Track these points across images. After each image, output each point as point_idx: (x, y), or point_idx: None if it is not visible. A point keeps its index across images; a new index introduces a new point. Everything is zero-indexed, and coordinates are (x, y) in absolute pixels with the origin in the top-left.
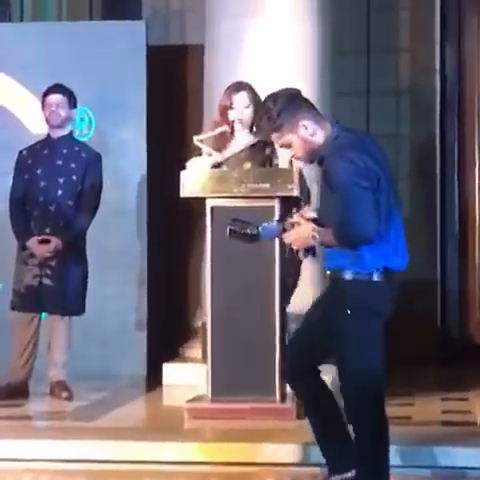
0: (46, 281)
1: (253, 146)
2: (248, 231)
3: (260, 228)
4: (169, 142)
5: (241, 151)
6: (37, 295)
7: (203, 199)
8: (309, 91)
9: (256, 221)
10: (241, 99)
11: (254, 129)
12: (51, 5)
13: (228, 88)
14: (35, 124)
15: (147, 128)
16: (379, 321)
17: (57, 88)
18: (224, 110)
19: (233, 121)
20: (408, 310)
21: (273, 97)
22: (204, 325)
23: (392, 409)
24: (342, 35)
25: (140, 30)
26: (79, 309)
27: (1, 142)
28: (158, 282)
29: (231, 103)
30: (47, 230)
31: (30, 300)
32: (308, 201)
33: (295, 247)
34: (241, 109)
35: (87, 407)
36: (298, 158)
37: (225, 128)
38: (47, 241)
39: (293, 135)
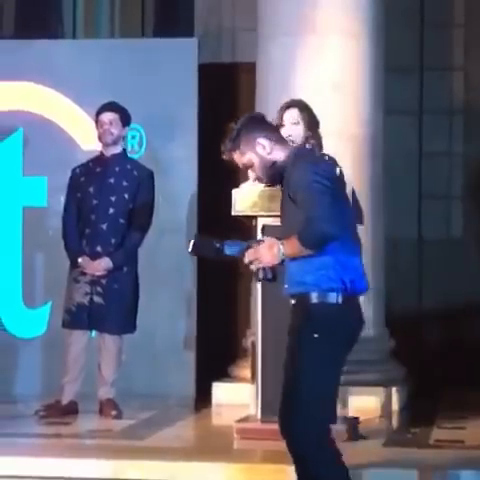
0: (97, 299)
1: None
2: (213, 243)
3: (225, 244)
4: (220, 160)
5: None
6: (88, 313)
7: (254, 217)
8: (361, 110)
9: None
10: (290, 116)
11: (308, 146)
12: (104, 22)
13: (281, 105)
14: (87, 141)
15: (198, 146)
16: (344, 346)
17: (110, 106)
18: (278, 126)
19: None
20: (459, 332)
21: (238, 119)
22: (253, 345)
23: (444, 432)
24: (395, 52)
25: (192, 48)
26: (130, 327)
27: (54, 159)
28: (207, 301)
29: (281, 120)
30: (98, 248)
31: (80, 318)
32: (361, 221)
33: (257, 265)
34: (290, 126)
35: (136, 426)
36: (260, 180)
37: None
38: (98, 259)
39: (251, 153)
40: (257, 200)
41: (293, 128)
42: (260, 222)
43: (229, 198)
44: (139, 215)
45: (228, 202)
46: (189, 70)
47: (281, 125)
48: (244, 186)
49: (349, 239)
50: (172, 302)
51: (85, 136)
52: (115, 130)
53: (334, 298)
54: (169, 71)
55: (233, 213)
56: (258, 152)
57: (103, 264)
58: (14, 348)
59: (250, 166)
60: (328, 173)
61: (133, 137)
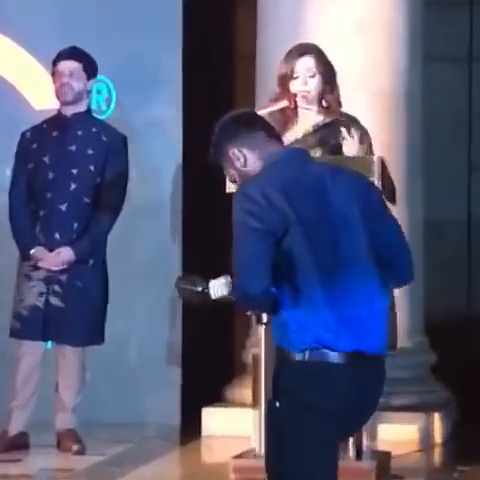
0: (54, 301)
1: (324, 128)
2: (198, 288)
3: (210, 284)
4: (210, 122)
5: (307, 134)
6: (43, 318)
7: None
8: (394, 56)
9: None
10: (304, 66)
11: (324, 104)
12: None
13: (290, 52)
14: (40, 99)
15: (183, 104)
16: (316, 417)
17: (71, 53)
18: (284, 80)
19: (295, 95)
20: None
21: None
22: (255, 359)
23: None
24: (443, 42)
25: None
26: (96, 337)
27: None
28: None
29: (292, 71)
30: (57, 235)
31: (33, 325)
32: (393, 200)
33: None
34: (305, 79)
35: (104, 464)
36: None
37: (285, 103)
38: (56, 249)
39: (229, 169)
40: None
41: (309, 81)
42: None
43: (222, 171)
44: (108, 192)
45: (221, 176)
46: (171, 6)
47: (292, 77)
48: None
49: (315, 289)
50: (151, 305)
51: (38, 92)
52: (77, 83)
53: (300, 355)
54: (146, 8)
55: (227, 190)
56: (235, 166)
57: (62, 256)
58: None
59: (235, 181)
60: (264, 209)
61: (99, 92)
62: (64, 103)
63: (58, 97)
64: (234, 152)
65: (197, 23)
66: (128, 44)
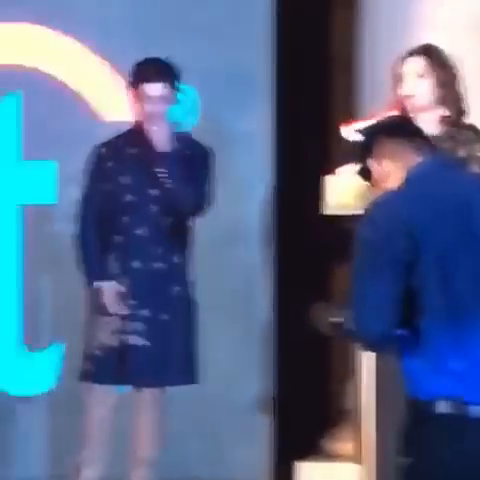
0: (133, 339)
1: (437, 140)
2: (332, 319)
3: (345, 314)
4: (306, 134)
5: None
6: (118, 359)
7: (356, 218)
8: None
9: None
10: (412, 67)
11: (441, 112)
12: None
13: (401, 55)
14: (112, 109)
15: (275, 114)
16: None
17: (158, 73)
18: (395, 84)
19: (403, 100)
20: None
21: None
22: (358, 406)
23: None
24: None
25: None
26: (188, 377)
27: (65, 135)
28: (290, 340)
29: (399, 74)
30: (136, 264)
31: (108, 367)
32: None
33: None
34: (413, 81)
35: None
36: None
37: (393, 113)
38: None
39: (373, 181)
40: (361, 194)
41: (417, 83)
42: None
43: (318, 190)
44: (188, 210)
45: (316, 195)
46: (263, 9)
47: (399, 80)
48: (342, 171)
49: (442, 332)
50: (239, 343)
51: (110, 102)
52: (165, 109)
53: (426, 404)
54: (234, 11)
55: (324, 211)
56: (376, 178)
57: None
58: (8, 411)
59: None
60: (389, 234)
61: (181, 102)
62: (150, 130)
63: (144, 120)
64: (374, 165)
65: (290, 27)
66: (213, 49)
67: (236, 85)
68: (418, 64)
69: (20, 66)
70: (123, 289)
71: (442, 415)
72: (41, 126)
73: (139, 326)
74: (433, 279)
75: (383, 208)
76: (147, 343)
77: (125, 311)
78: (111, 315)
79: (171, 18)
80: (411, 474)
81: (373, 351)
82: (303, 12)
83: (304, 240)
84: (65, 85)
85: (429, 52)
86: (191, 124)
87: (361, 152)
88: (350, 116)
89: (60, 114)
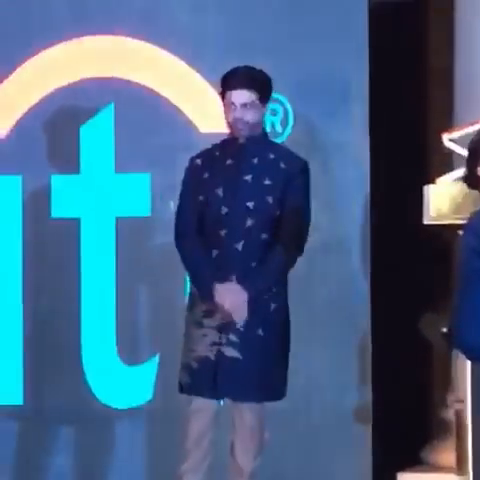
0: (230, 352)
1: None
2: (443, 329)
3: None
4: (403, 144)
5: None
6: (215, 372)
7: (457, 227)
8: None
9: None
10: None
11: None
12: None
13: None
14: (207, 121)
15: (370, 124)
16: None
17: (245, 80)
18: None
19: None
20: None
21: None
22: (459, 416)
23: None
24: None
25: None
26: (277, 392)
27: (159, 147)
28: (388, 350)
29: None
30: (233, 278)
31: (205, 379)
32: None
33: None
34: None
35: None
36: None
37: None
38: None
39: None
40: (462, 202)
41: None
42: None
43: (417, 199)
44: (288, 227)
45: (416, 205)
46: (358, 16)
47: None
48: (442, 181)
49: None
50: (336, 353)
51: (205, 114)
52: (252, 116)
53: None
54: (328, 18)
55: (425, 221)
56: None
57: (241, 300)
58: (106, 423)
59: None
60: None
61: (274, 113)
62: (239, 137)
63: (230, 129)
64: None
65: (385, 35)
66: (307, 58)
67: (331, 95)
68: None
69: (114, 78)
70: (243, 291)
71: None
72: (136, 138)
73: (234, 339)
74: None
75: None
76: (241, 357)
77: (244, 317)
78: (207, 327)
79: (265, 28)
80: None
81: (478, 361)
82: (399, 21)
83: (402, 249)
84: (160, 96)
85: None
86: (286, 134)
87: (469, 158)
88: (447, 125)
89: (155, 126)
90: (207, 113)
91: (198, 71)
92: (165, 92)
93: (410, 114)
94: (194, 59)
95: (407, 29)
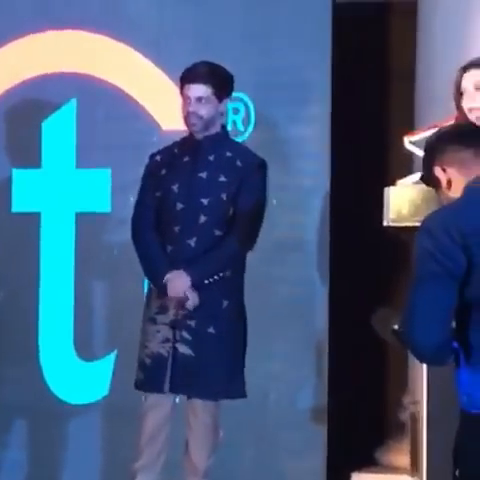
0: (183, 349)
1: None
2: (394, 326)
3: None
4: (364, 144)
5: None
6: (168, 368)
7: (414, 230)
8: None
9: None
10: (472, 80)
11: None
12: None
13: (459, 69)
14: (169, 118)
15: (332, 124)
16: None
17: (199, 74)
18: (456, 97)
19: (465, 114)
20: None
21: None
22: (414, 418)
23: None
24: None
25: None
26: (233, 391)
27: (121, 143)
28: (344, 350)
29: (459, 88)
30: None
31: (159, 376)
32: None
33: None
34: (472, 93)
35: None
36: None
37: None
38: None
39: (438, 190)
40: (421, 204)
41: (477, 96)
42: None
43: (377, 200)
44: (242, 224)
45: (376, 206)
46: (321, 14)
47: (459, 94)
48: (402, 183)
49: None
50: (293, 352)
51: (167, 111)
52: (206, 111)
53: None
54: (291, 17)
55: (385, 223)
56: (441, 188)
57: (191, 300)
58: (62, 419)
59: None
60: (447, 248)
61: (236, 111)
62: (192, 131)
63: (185, 124)
64: (439, 171)
65: (347, 35)
66: (269, 56)
67: (293, 93)
68: (476, 77)
69: (77, 73)
70: (186, 276)
71: None
72: (97, 134)
73: (187, 336)
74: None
75: (439, 219)
76: (193, 354)
77: (195, 302)
78: (160, 324)
79: (229, 26)
80: None
81: (427, 363)
82: (362, 21)
83: (361, 250)
84: (122, 93)
85: None
86: (248, 133)
87: (427, 157)
88: (408, 127)
89: (117, 122)
90: (170, 111)
91: (161, 68)
92: (128, 88)
93: (371, 115)
94: (158, 56)
95: (370, 30)
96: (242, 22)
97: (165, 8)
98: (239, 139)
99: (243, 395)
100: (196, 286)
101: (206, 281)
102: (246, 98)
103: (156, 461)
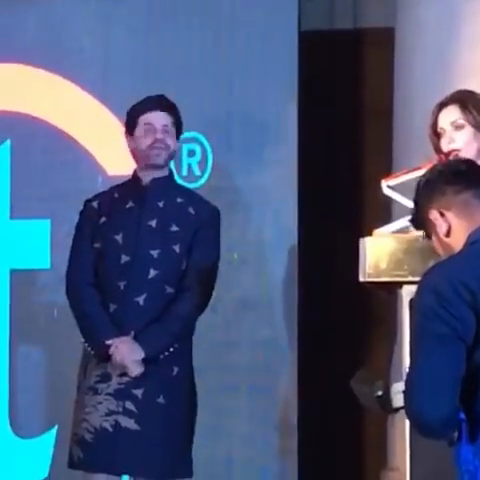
0: (126, 422)
1: None
2: (377, 393)
3: (393, 388)
4: (336, 190)
5: None
6: (113, 445)
7: (395, 285)
8: None
9: None
10: (447, 118)
11: None
12: None
13: (435, 106)
14: (115, 163)
15: (299, 170)
16: None
17: (163, 102)
18: (432, 137)
19: (446, 156)
20: None
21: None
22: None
23: None
24: None
25: (290, 9)
26: (181, 470)
27: (61, 191)
28: (318, 423)
29: (436, 126)
30: (131, 336)
31: (101, 453)
32: None
33: None
34: (451, 133)
35: None
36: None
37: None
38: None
39: (434, 236)
40: (403, 256)
41: (456, 135)
42: (406, 293)
43: (352, 253)
44: (195, 282)
45: (352, 259)
46: (285, 43)
47: (436, 133)
48: (380, 233)
49: None
50: (257, 426)
51: (113, 154)
52: (172, 141)
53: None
54: (251, 45)
55: (361, 278)
56: (437, 234)
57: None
58: None
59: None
60: (456, 305)
61: (192, 154)
62: (153, 166)
63: (146, 158)
64: (436, 216)
65: (315, 72)
66: (229, 90)
67: (252, 136)
68: (454, 114)
69: (13, 112)
70: (139, 347)
71: None
72: (35, 180)
73: (132, 407)
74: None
75: (444, 273)
76: (139, 428)
77: (139, 371)
78: (103, 394)
79: (181, 62)
80: None
81: (434, 437)
82: (334, 54)
83: (334, 308)
84: (63, 133)
85: (463, 100)
86: (205, 178)
87: (422, 199)
88: (386, 171)
89: (57, 167)
90: (116, 153)
91: (107, 106)
92: (69, 129)
93: (344, 158)
94: (103, 93)
95: (342, 64)
96: (198, 58)
97: (112, 42)
98: (195, 185)
99: (190, 475)
100: (149, 360)
101: (161, 356)
102: (203, 139)
103: None
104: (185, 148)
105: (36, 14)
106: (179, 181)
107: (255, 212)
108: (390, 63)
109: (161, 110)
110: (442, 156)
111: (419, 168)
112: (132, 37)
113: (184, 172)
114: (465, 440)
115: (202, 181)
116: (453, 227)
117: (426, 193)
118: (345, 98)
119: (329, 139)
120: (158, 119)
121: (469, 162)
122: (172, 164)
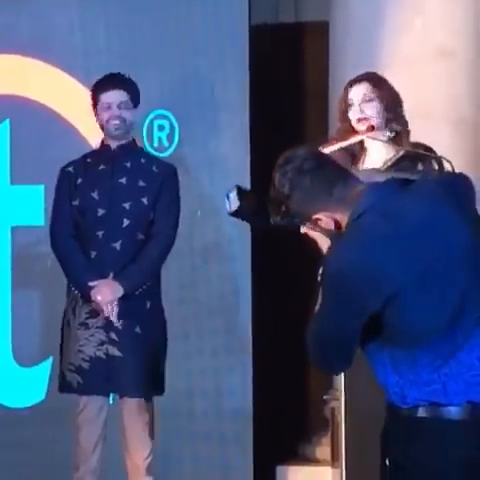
0: (112, 351)
1: (396, 164)
2: (262, 201)
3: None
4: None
5: (378, 172)
6: (106, 371)
7: None
8: None
9: None
10: (357, 93)
11: (389, 133)
12: None
13: (346, 84)
14: (99, 135)
15: (251, 140)
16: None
17: (115, 81)
18: (342, 112)
19: (358, 120)
20: None
21: (281, 166)
22: (334, 413)
23: None
24: None
25: (240, 3)
26: (155, 388)
27: (54, 161)
28: (268, 351)
29: (346, 102)
30: (111, 277)
31: (97, 378)
32: None
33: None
34: (360, 104)
35: None
36: None
37: (361, 137)
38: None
39: (311, 231)
40: None
41: (366, 106)
42: None
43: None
44: (161, 229)
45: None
46: (237, 34)
47: (347, 106)
48: None
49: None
50: (217, 353)
51: (94, 128)
52: (129, 115)
53: (411, 411)
54: (208, 36)
55: (302, 230)
56: (321, 228)
57: (113, 289)
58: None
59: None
60: (369, 271)
61: (161, 128)
62: (113, 137)
63: (107, 130)
64: (319, 216)
65: (265, 52)
66: (190, 74)
67: (209, 111)
68: (362, 90)
69: (11, 95)
70: (119, 286)
71: (423, 418)
72: (31, 153)
73: (115, 337)
74: (414, 313)
75: (352, 246)
76: (121, 355)
77: (115, 311)
78: (93, 328)
79: (153, 47)
80: (390, 476)
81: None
82: (275, 42)
83: (280, 254)
84: (54, 113)
85: (373, 78)
86: (173, 149)
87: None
88: (324, 140)
89: (49, 141)
90: (96, 127)
91: (88, 88)
92: (57, 107)
93: (291, 130)
94: (85, 78)
95: (285, 52)
96: (165, 42)
97: (91, 33)
98: (164, 154)
99: (161, 392)
100: (127, 296)
101: (137, 292)
102: (171, 116)
103: (97, 465)
104: (156, 123)
105: (28, 12)
106: (151, 151)
107: (213, 177)
108: (326, 51)
109: (118, 88)
110: (348, 125)
111: (335, 139)
112: (108, 28)
113: (155, 143)
114: (389, 372)
115: (170, 151)
116: (336, 215)
117: (306, 191)
118: (289, 82)
119: (275, 117)
120: (115, 97)
121: (311, 152)
122: (145, 137)
